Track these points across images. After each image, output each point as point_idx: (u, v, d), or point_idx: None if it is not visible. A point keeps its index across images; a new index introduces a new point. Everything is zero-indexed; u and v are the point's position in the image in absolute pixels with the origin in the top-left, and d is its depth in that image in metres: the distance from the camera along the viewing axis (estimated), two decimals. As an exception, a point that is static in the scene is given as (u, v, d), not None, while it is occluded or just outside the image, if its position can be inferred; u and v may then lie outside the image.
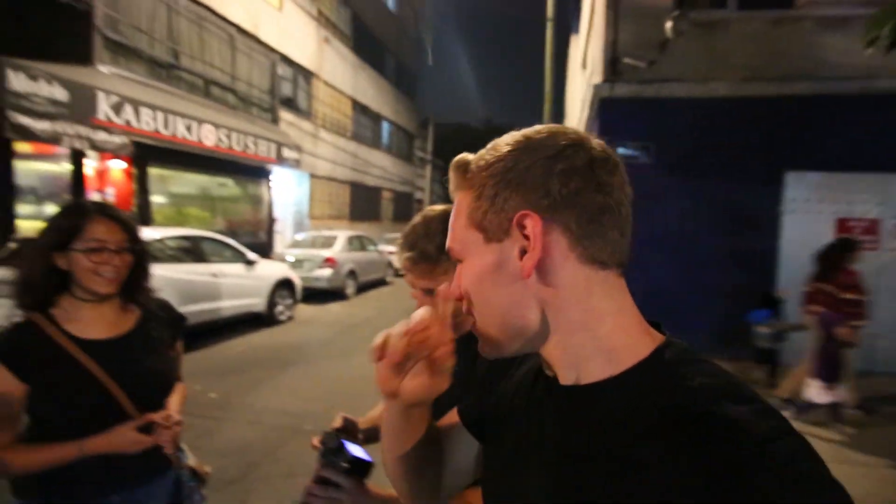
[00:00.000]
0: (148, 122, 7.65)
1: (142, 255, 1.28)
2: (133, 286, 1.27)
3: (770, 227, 5.60)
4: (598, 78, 5.85)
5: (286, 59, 12.76)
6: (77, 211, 1.19)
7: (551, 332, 0.52)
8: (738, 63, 5.29)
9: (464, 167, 0.56)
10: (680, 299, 5.51)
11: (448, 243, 0.57)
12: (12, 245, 5.14)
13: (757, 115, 5.39)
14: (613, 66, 5.58)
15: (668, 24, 5.05)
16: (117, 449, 1.13)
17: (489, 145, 0.55)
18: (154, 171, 8.57)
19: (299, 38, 13.27)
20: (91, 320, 1.21)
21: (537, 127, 0.54)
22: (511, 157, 0.51)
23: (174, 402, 1.32)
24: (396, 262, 1.08)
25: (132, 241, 1.24)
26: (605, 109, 5.77)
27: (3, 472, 1.14)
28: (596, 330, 0.51)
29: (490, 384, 0.73)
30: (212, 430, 3.69)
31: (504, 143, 0.53)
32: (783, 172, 5.55)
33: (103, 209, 1.21)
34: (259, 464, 3.21)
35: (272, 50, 12.04)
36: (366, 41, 17.88)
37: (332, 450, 0.78)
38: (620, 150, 5.69)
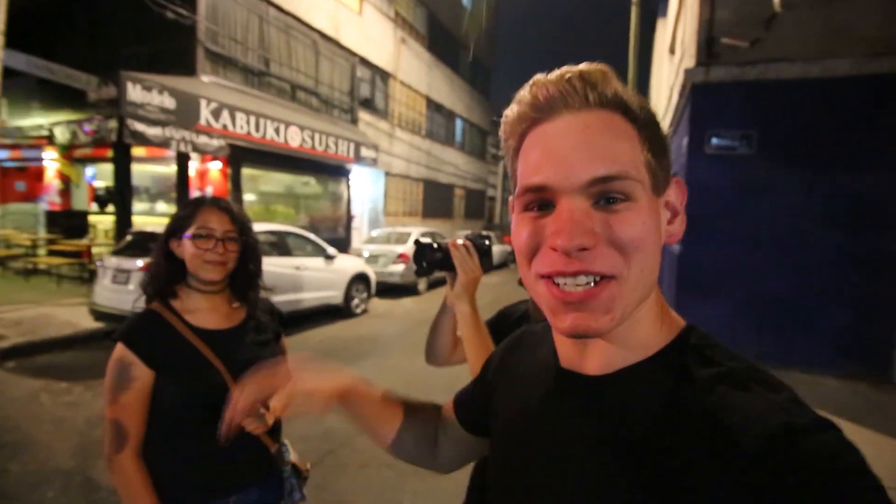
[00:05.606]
0: (242, 126, 8.25)
1: (251, 249, 1.29)
2: (243, 281, 1.30)
3: (901, 225, 4.84)
4: (690, 62, 5.37)
5: (365, 62, 13.19)
6: (193, 203, 1.25)
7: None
8: (865, 36, 4.59)
9: (621, 97, 0.46)
10: (790, 307, 4.91)
11: (617, 166, 0.43)
12: (128, 238, 5.77)
13: (887, 94, 4.64)
14: (709, 48, 5.09)
15: (777, -3, 4.51)
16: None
17: (623, 87, 0.47)
18: (246, 171, 9.24)
19: (378, 40, 13.65)
20: (206, 311, 1.25)
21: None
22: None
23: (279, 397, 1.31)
24: None
25: (240, 232, 1.26)
26: (698, 96, 5.26)
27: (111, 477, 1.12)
28: (651, 311, 0.48)
29: (497, 380, 0.68)
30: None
31: (640, 97, 0.48)
32: (920, 161, 4.77)
33: (217, 201, 1.26)
34: (336, 451, 3.31)
35: (352, 53, 12.49)
36: (441, 39, 18.00)
37: (477, 236, 1.12)
38: (715, 141, 5.18)
